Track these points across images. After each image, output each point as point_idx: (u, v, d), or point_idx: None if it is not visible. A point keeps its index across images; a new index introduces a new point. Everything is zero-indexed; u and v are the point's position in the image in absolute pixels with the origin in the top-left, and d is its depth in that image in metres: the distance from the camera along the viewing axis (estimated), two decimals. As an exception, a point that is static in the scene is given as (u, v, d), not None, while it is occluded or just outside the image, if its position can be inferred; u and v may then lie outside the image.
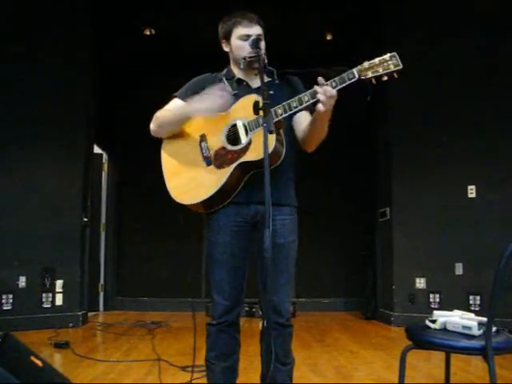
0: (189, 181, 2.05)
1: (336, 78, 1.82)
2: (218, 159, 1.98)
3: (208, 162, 2.01)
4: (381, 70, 1.80)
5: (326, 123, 1.94)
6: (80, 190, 5.11)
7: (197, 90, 2.07)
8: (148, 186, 6.40)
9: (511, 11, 4.66)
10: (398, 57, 1.80)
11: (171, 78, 6.17)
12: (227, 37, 2.08)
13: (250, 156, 1.91)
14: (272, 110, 1.84)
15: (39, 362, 2.07)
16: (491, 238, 4.43)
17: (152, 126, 2.10)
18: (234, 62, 2.10)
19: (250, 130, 1.94)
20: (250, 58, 1.98)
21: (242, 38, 2.02)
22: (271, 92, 1.92)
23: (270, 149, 1.81)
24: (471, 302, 4.68)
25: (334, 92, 1.80)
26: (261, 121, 1.85)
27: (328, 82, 1.82)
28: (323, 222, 6.17)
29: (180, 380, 2.93)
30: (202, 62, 5.76)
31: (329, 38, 6.02)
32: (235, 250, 1.99)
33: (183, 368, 3.18)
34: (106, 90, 6.07)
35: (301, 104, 1.87)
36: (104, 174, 6.58)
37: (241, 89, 2.06)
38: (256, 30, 2.02)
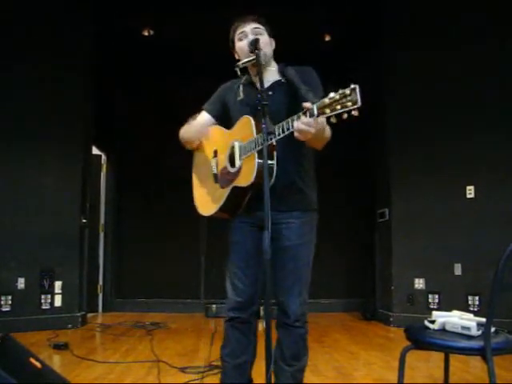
0: (202, 194, 2.17)
1: (299, 114, 1.68)
2: (221, 178, 2.06)
3: (215, 179, 2.09)
4: (339, 108, 1.55)
5: (318, 140, 1.84)
6: (79, 191, 5.11)
7: (218, 100, 2.19)
8: (147, 188, 6.41)
9: (511, 11, 4.68)
10: (358, 91, 1.52)
11: (170, 79, 6.23)
12: (233, 44, 2.10)
13: (240, 181, 1.93)
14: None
15: (38, 364, 2.07)
16: (490, 239, 4.43)
17: (180, 137, 2.23)
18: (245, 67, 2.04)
19: (242, 155, 1.95)
20: (244, 63, 1.97)
21: (240, 38, 2.04)
22: (270, 93, 1.92)
23: (252, 177, 1.83)
24: (470, 302, 4.68)
25: (301, 126, 1.65)
26: (252, 146, 1.85)
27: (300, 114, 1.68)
28: (322, 223, 6.14)
29: (179, 381, 2.92)
30: (201, 63, 5.81)
31: (328, 38, 6.03)
32: (249, 249, 2.04)
33: (182, 369, 3.18)
34: (104, 91, 6.06)
35: (283, 132, 1.75)
36: (103, 175, 6.57)
37: (250, 94, 2.04)
38: (251, 26, 2.02)
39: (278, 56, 2.15)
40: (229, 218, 2.10)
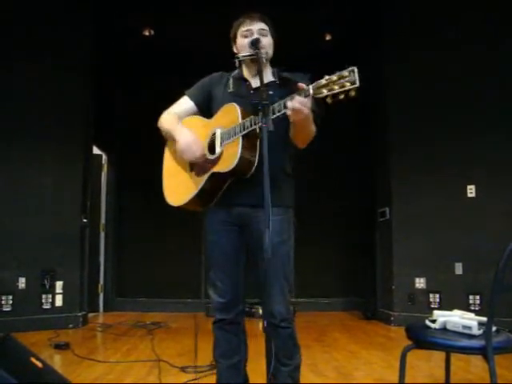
0: (175, 183, 2.12)
1: (293, 95, 1.72)
2: (198, 166, 2.02)
3: (191, 167, 2.07)
4: (336, 88, 1.61)
5: (307, 127, 1.87)
6: (79, 190, 5.11)
7: (203, 89, 2.15)
8: (147, 187, 6.38)
9: (511, 11, 4.67)
10: (357, 72, 1.59)
11: (170, 79, 6.22)
12: (234, 38, 2.11)
13: (220, 167, 1.92)
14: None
15: (39, 364, 2.07)
16: (491, 238, 4.43)
17: (159, 123, 2.17)
18: (241, 61, 2.08)
19: (224, 141, 1.94)
20: (245, 56, 1.99)
21: (243, 35, 2.04)
22: (270, 92, 1.92)
23: (235, 161, 1.83)
24: (471, 301, 4.68)
25: (296, 105, 1.69)
26: (236, 130, 1.86)
27: (296, 94, 1.72)
28: (322, 222, 6.17)
29: (180, 380, 2.92)
30: (201, 63, 5.80)
31: (328, 38, 6.03)
32: (226, 249, 2.03)
33: (183, 368, 3.18)
34: (105, 91, 6.06)
35: (273, 113, 1.78)
36: (103, 175, 6.58)
37: (240, 88, 2.07)
38: (257, 26, 2.03)
39: (277, 55, 2.15)
40: (200, 209, 2.08)
